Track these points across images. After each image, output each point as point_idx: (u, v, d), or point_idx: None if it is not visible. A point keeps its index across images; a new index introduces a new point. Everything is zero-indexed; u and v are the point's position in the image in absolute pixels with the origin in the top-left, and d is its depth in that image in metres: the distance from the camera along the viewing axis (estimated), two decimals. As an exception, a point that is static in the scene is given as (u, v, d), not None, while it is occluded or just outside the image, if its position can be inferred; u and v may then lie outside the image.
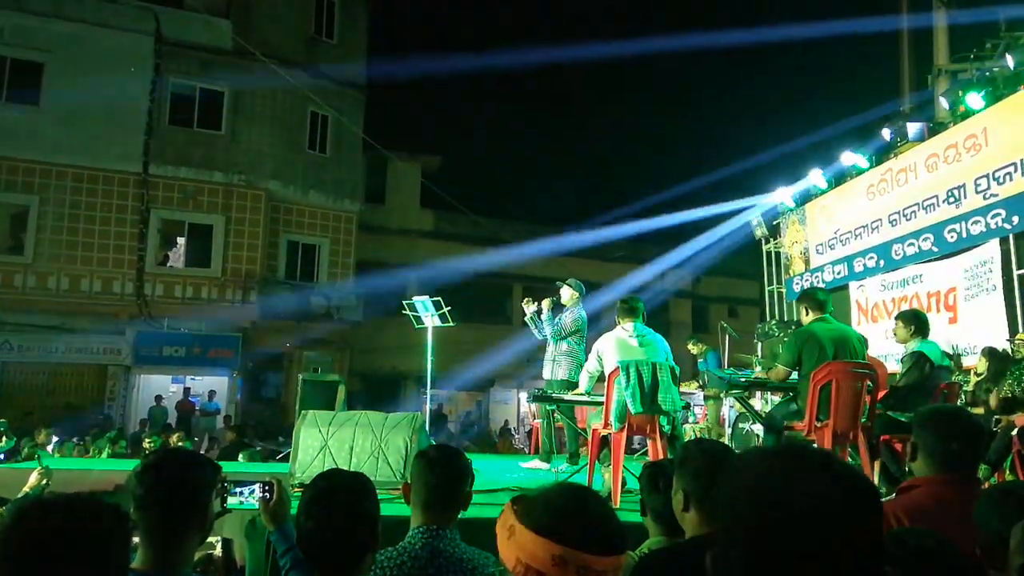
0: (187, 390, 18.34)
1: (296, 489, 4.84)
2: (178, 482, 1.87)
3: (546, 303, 7.20)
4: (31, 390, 16.80)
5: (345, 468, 4.81)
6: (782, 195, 13.72)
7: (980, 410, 6.25)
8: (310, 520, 1.90)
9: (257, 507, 2.24)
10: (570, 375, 6.76)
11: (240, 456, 9.69)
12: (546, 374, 7.04)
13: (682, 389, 6.89)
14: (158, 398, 17.64)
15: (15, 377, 16.78)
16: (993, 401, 6.04)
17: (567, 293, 7.18)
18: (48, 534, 1.25)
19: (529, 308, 7.27)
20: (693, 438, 8.11)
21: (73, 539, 1.26)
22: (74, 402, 16.68)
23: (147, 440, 10.13)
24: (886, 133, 11.32)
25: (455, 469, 2.41)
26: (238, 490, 2.19)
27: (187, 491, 1.87)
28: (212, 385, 18.36)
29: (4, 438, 9.72)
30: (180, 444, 10.14)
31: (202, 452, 12.64)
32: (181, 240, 18.53)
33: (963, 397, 6.50)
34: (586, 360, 6.45)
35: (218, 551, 3.97)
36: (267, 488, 2.23)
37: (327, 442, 4.99)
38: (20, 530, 1.26)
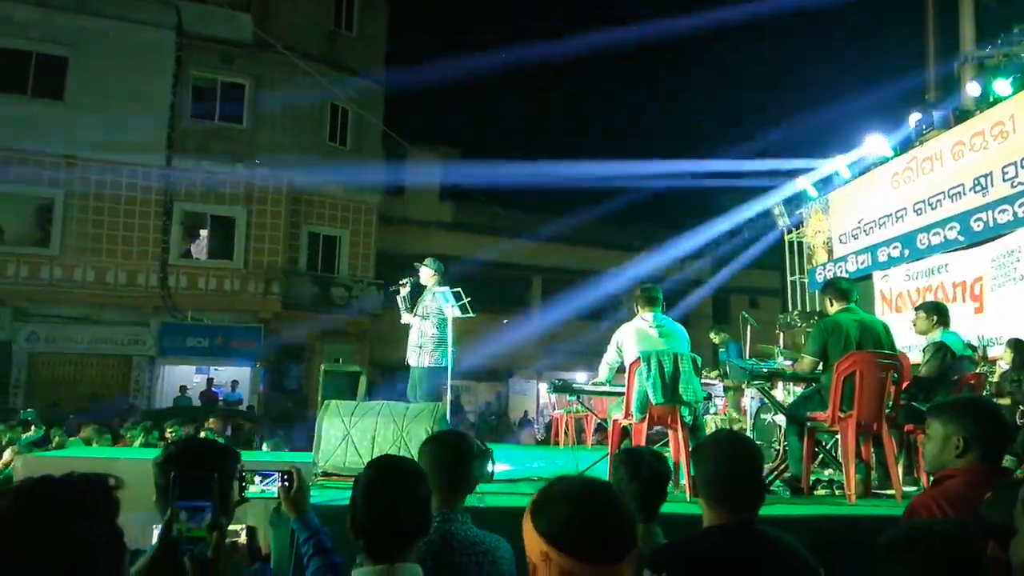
0: (210, 380, 18.55)
1: (319, 478, 4.88)
2: (199, 472, 1.83)
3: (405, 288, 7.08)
4: (58, 381, 17.07)
5: (368, 457, 4.86)
6: (804, 185, 13.57)
7: (1006, 400, 6.17)
8: (368, 503, 1.93)
9: (277, 495, 2.25)
10: (436, 361, 6.62)
11: (264, 445, 9.80)
12: (411, 361, 6.85)
13: (704, 380, 6.85)
14: (182, 388, 17.86)
15: (42, 368, 17.05)
16: None
17: (427, 273, 7.00)
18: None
19: (404, 291, 7.15)
20: (715, 429, 8.10)
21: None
22: (99, 392, 16.94)
23: (169, 430, 10.25)
24: (911, 120, 11.15)
25: (462, 451, 2.47)
26: (258, 478, 2.20)
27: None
28: (235, 375, 18.55)
29: (33, 427, 9.90)
30: (211, 431, 10.27)
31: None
32: (204, 232, 18.71)
33: (988, 388, 6.42)
34: (448, 342, 6.53)
35: (243, 538, 4.02)
36: (287, 477, 2.24)
37: (349, 432, 5.02)
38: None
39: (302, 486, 2.25)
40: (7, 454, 8.40)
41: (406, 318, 7.06)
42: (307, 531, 2.24)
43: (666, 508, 2.77)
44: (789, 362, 6.52)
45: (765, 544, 1.96)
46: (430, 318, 6.77)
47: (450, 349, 6.65)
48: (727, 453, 2.13)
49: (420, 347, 6.80)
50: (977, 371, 5.96)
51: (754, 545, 1.96)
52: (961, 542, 1.55)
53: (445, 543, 2.22)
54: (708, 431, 6.80)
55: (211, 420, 11.55)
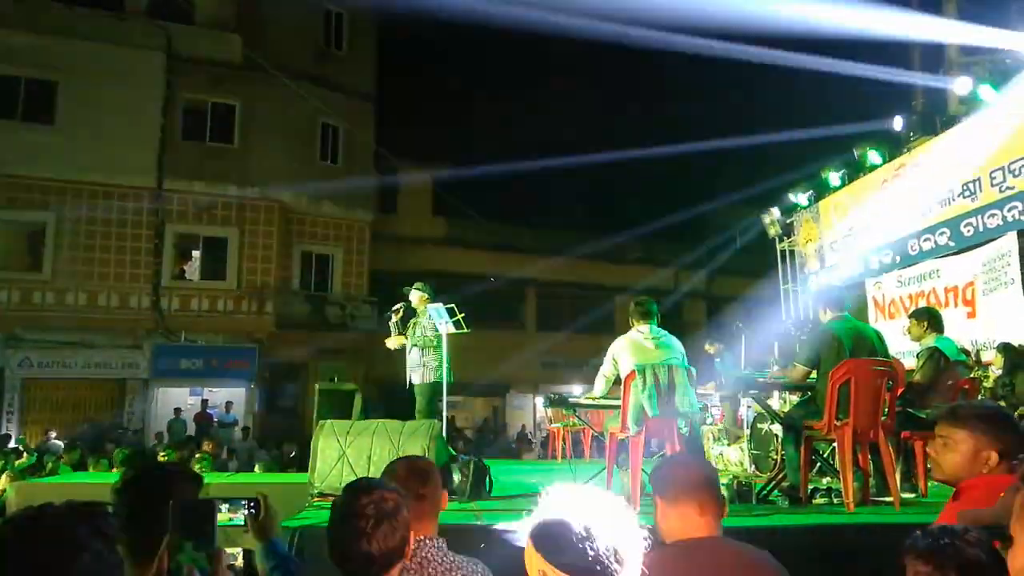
0: (205, 402, 18.43)
1: (316, 499, 4.85)
2: (159, 500, 1.73)
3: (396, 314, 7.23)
4: (51, 406, 16.94)
5: (364, 476, 4.84)
6: (795, 193, 13.65)
7: (1001, 404, 6.19)
8: (343, 529, 1.88)
9: (245, 523, 2.22)
10: (437, 376, 6.71)
11: (256, 467, 9.74)
12: (416, 379, 6.94)
13: (699, 391, 6.85)
14: (177, 411, 17.75)
15: (35, 393, 16.93)
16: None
17: (417, 296, 7.13)
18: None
19: (396, 316, 7.28)
20: (719, 446, 8.10)
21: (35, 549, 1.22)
22: (93, 417, 16.82)
23: (162, 453, 10.17)
24: (898, 126, 11.24)
25: (427, 474, 2.43)
26: (224, 506, 2.16)
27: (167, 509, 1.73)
28: (229, 396, 18.43)
29: (26, 455, 9.83)
30: (198, 455, 10.18)
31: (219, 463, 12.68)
32: (196, 253, 18.67)
33: (982, 392, 6.44)
34: (443, 357, 6.63)
35: (239, 562, 3.99)
36: (253, 505, 2.20)
37: (345, 451, 5.00)
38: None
39: (269, 513, 2.22)
40: (2, 481, 8.34)
41: (392, 342, 7.14)
42: (275, 558, 2.22)
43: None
44: (776, 367, 6.54)
45: (733, 555, 2.03)
46: (427, 337, 6.82)
47: (444, 365, 6.70)
48: (691, 462, 2.33)
49: (422, 366, 6.83)
50: (971, 376, 5.98)
51: (719, 557, 2.04)
52: (985, 547, 1.59)
53: (422, 569, 2.20)
54: (704, 442, 6.81)
55: (208, 444, 11.49)
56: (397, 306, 7.26)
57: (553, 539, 1.35)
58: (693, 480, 2.21)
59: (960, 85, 10.22)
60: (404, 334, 7.14)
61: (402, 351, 7.22)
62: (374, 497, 1.91)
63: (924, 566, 1.65)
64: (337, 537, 1.88)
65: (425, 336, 6.88)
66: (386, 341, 7.25)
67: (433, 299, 7.12)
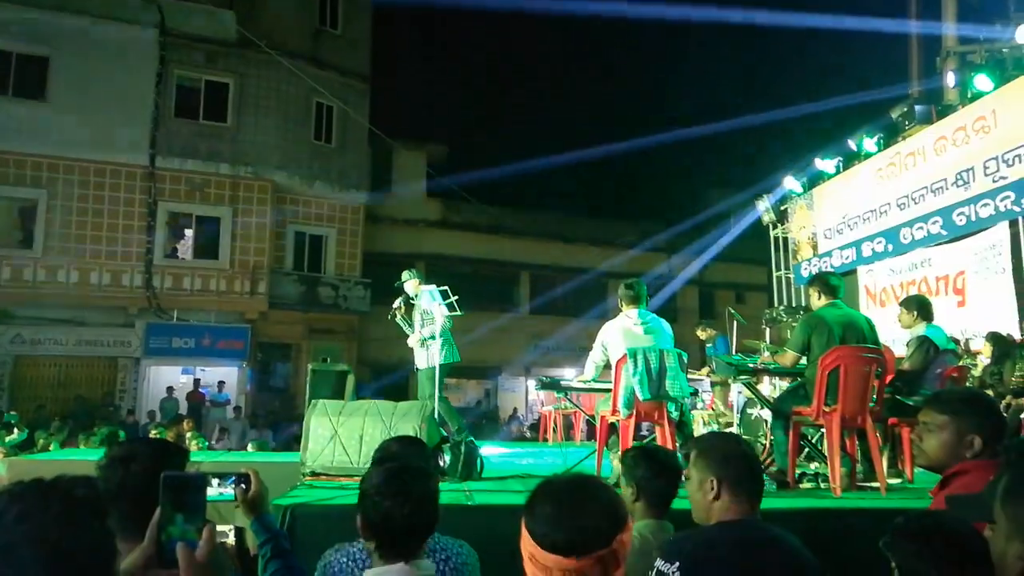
0: (197, 381, 18.45)
1: (307, 478, 4.87)
2: (148, 474, 1.73)
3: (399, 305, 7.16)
4: (42, 383, 16.93)
5: (356, 457, 4.85)
6: (789, 181, 13.66)
7: (989, 393, 6.24)
8: (382, 502, 1.95)
9: (235, 498, 2.23)
10: (444, 357, 6.63)
11: (250, 446, 9.77)
12: (421, 363, 6.87)
13: (690, 376, 6.88)
14: (169, 389, 17.77)
15: (27, 370, 16.90)
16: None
17: (410, 285, 7.08)
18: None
19: (400, 312, 7.22)
20: (710, 430, 8.14)
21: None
22: (85, 394, 16.83)
23: (154, 432, 10.19)
24: (894, 115, 11.25)
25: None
26: (215, 480, 2.16)
27: (157, 484, 1.65)
28: (222, 376, 18.46)
29: (16, 430, 9.83)
30: (190, 434, 10.21)
31: (213, 442, 12.73)
32: (189, 232, 18.60)
33: (971, 381, 6.49)
34: (444, 338, 6.58)
35: (231, 540, 4.01)
36: (243, 479, 2.21)
37: (337, 431, 5.02)
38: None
39: (259, 489, 2.23)
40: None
41: (413, 339, 7.02)
42: (266, 533, 2.23)
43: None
44: (767, 353, 6.57)
45: (773, 538, 2.02)
46: (427, 320, 6.80)
47: (444, 348, 6.66)
48: (737, 446, 2.25)
49: (425, 349, 6.80)
50: (960, 364, 6.02)
51: (763, 538, 2.02)
52: (969, 531, 1.62)
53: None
54: (695, 427, 6.85)
55: (188, 422, 11.45)
56: (396, 303, 7.21)
57: (542, 520, 1.38)
58: (752, 462, 2.23)
59: (956, 74, 10.23)
60: (413, 325, 7.07)
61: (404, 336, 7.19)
62: (408, 471, 2.05)
63: (911, 544, 1.69)
64: (374, 511, 1.97)
65: (424, 319, 6.86)
66: (409, 340, 7.13)
67: (424, 280, 7.13)
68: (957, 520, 1.71)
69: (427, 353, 6.82)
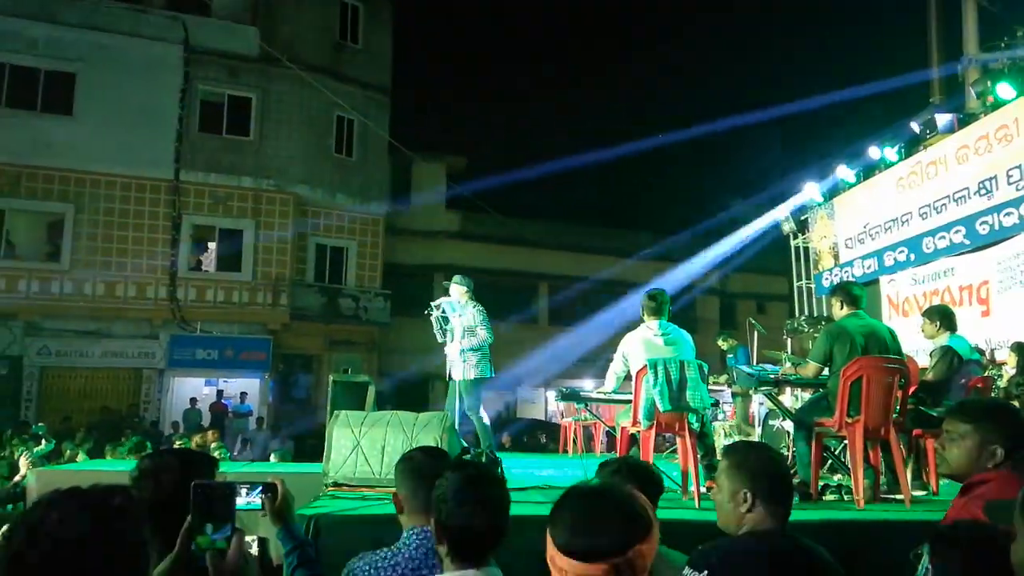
0: (220, 392, 18.63)
1: (330, 488, 4.92)
2: (179, 484, 1.76)
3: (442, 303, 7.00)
4: (69, 394, 17.17)
5: (378, 467, 4.89)
6: (810, 190, 13.59)
7: (1015, 404, 6.17)
8: (460, 508, 1.96)
9: (262, 507, 2.26)
10: (481, 371, 6.55)
11: (272, 456, 9.85)
12: (456, 375, 6.69)
13: (711, 386, 6.86)
14: (192, 400, 17.94)
15: (53, 382, 17.15)
16: None
17: (459, 290, 6.85)
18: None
19: (436, 312, 7.04)
20: (737, 440, 8.09)
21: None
22: (110, 406, 17.03)
23: (178, 442, 10.30)
24: (915, 125, 11.16)
25: (440, 469, 2.45)
26: (243, 490, 2.19)
27: (187, 493, 1.70)
28: (244, 387, 18.62)
29: (44, 441, 9.98)
30: (214, 444, 10.31)
31: (235, 453, 12.84)
32: (212, 245, 18.83)
33: (996, 391, 6.42)
34: (488, 353, 6.52)
35: (254, 549, 4.05)
36: (270, 488, 2.24)
37: (359, 442, 5.06)
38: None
39: (285, 497, 2.27)
40: (22, 467, 8.47)
41: (453, 349, 6.90)
42: (292, 542, 2.26)
43: (677, 515, 2.81)
44: (789, 364, 6.53)
45: (804, 549, 2.01)
46: (472, 331, 6.69)
47: (479, 359, 6.57)
48: (771, 459, 2.23)
49: (464, 360, 6.64)
50: (985, 375, 5.96)
51: (793, 550, 2.02)
52: (996, 540, 1.62)
53: (427, 560, 2.25)
54: (716, 438, 6.82)
55: (213, 432, 11.57)
56: (436, 302, 7.05)
57: (561, 525, 1.45)
58: (786, 475, 2.23)
59: (978, 82, 10.15)
60: (446, 330, 6.96)
61: (431, 343, 7.06)
62: (484, 479, 2.09)
63: (953, 551, 1.70)
64: (450, 517, 1.98)
65: (465, 332, 6.64)
66: (440, 339, 7.05)
67: (473, 295, 6.93)
68: (996, 529, 1.71)
69: (464, 367, 6.71)
